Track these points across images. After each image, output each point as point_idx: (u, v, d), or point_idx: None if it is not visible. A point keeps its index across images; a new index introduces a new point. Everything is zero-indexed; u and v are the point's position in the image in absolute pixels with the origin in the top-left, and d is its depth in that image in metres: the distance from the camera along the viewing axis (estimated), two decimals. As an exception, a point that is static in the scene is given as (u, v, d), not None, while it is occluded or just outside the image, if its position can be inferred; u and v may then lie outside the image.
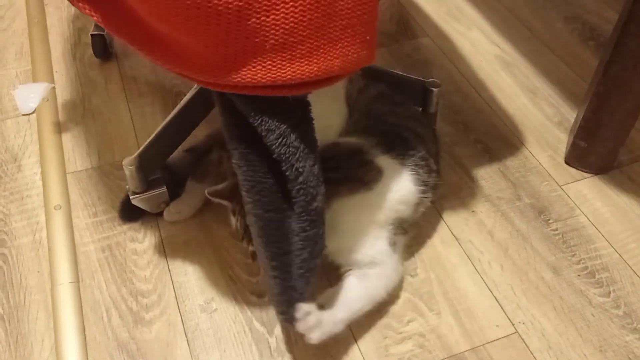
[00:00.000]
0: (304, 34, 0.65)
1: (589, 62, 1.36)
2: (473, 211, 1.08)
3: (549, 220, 1.07)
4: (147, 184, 1.03)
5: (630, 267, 1.00)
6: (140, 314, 0.96)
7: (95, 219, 1.09)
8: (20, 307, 0.97)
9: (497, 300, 0.96)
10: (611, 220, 1.07)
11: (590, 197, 1.10)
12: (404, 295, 0.97)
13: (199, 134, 1.10)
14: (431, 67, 1.37)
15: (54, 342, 0.93)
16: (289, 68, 0.66)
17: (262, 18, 0.62)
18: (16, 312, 0.97)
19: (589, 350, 0.90)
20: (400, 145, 0.95)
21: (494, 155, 1.18)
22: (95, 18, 0.70)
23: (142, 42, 0.70)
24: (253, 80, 0.66)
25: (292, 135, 0.73)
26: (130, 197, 1.02)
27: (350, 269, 0.91)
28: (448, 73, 1.35)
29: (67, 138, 1.23)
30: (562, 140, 1.20)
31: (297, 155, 0.74)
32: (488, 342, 0.92)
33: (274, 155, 0.74)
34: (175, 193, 1.06)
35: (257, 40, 0.64)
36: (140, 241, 1.05)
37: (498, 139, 1.21)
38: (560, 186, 1.12)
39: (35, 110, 1.30)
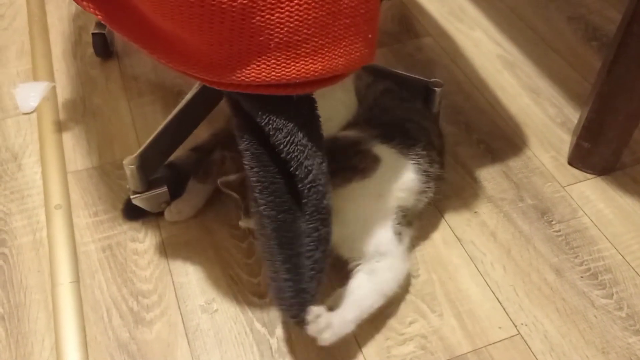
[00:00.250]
0: (309, 32, 0.64)
1: (592, 62, 1.35)
2: (475, 212, 1.08)
3: (552, 221, 1.06)
4: (148, 184, 1.02)
5: (634, 269, 1.00)
6: (140, 314, 0.95)
7: (95, 219, 1.08)
8: (20, 307, 0.97)
9: (499, 301, 0.96)
10: (614, 222, 1.06)
11: (593, 198, 1.10)
12: (406, 297, 0.96)
13: (199, 133, 1.09)
14: (433, 67, 1.36)
15: (55, 342, 0.93)
16: (293, 67, 0.66)
17: (267, 16, 0.62)
18: (16, 312, 0.96)
19: (591, 352, 0.90)
20: (401, 136, 0.95)
21: (497, 155, 1.17)
22: (99, 16, 0.70)
23: (146, 40, 0.70)
24: (257, 79, 0.66)
25: (299, 133, 0.73)
26: (131, 197, 1.02)
27: (358, 264, 0.90)
28: (450, 73, 1.35)
29: (67, 137, 1.23)
30: (565, 141, 1.19)
31: (306, 153, 0.74)
32: (490, 344, 0.91)
33: (282, 155, 0.73)
34: (176, 193, 1.06)
35: (261, 38, 0.63)
36: (141, 241, 1.05)
37: (501, 139, 1.21)
38: (563, 187, 1.12)
39: (35, 109, 1.29)
